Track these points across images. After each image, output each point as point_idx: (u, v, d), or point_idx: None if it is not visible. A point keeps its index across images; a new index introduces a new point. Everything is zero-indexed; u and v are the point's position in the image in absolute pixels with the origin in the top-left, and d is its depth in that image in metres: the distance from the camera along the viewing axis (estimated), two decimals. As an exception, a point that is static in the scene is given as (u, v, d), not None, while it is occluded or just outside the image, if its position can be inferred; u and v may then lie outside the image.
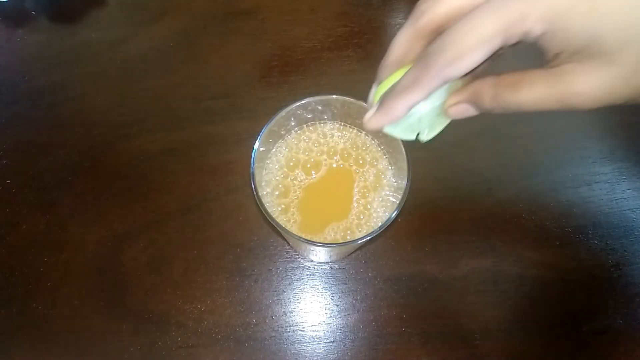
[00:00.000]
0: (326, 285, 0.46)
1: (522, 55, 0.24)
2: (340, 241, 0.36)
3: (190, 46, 0.57)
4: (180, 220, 0.48)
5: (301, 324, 0.45)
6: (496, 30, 0.20)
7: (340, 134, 0.40)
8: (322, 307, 0.45)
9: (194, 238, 0.48)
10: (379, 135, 0.38)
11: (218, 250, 0.47)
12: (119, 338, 0.44)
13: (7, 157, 0.51)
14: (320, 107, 0.37)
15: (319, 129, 0.40)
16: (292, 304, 0.46)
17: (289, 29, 0.59)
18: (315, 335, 0.44)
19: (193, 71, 0.56)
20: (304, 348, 0.44)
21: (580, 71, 0.20)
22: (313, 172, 0.38)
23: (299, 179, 0.38)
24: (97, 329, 0.44)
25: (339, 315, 0.45)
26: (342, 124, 0.40)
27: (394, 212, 0.32)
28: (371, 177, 0.38)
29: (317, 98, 0.36)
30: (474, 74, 0.26)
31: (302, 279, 0.46)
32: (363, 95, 0.35)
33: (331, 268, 0.47)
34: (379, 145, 0.39)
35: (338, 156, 0.39)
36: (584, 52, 0.20)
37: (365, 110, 0.35)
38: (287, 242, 0.47)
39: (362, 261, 0.47)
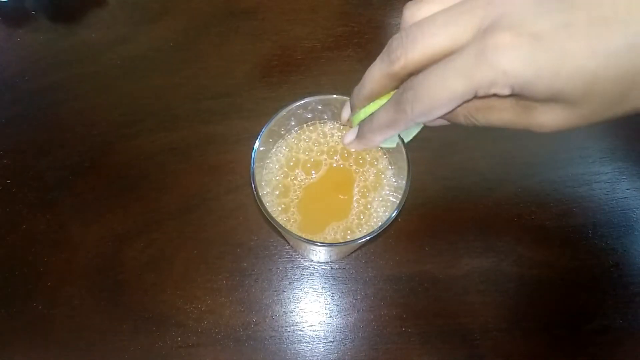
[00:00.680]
0: (326, 285, 0.46)
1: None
2: (340, 241, 0.36)
3: (190, 46, 0.57)
4: (180, 220, 0.48)
5: (301, 323, 0.45)
6: (467, 90, 0.22)
7: (340, 133, 0.40)
8: (322, 306, 0.45)
9: (194, 238, 0.48)
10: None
11: (218, 250, 0.47)
12: (119, 338, 0.44)
13: (7, 157, 0.51)
14: (320, 107, 0.37)
15: (319, 128, 0.40)
16: (292, 303, 0.46)
17: (289, 29, 0.59)
18: (315, 335, 0.44)
19: (193, 71, 0.56)
20: (304, 348, 0.44)
21: (545, 110, 0.23)
22: (313, 172, 0.38)
23: (299, 179, 0.38)
24: (97, 329, 0.44)
25: (339, 315, 0.45)
26: (342, 123, 0.40)
27: (394, 212, 0.32)
28: (371, 177, 0.38)
29: (317, 98, 0.36)
30: None
31: (302, 278, 0.46)
32: (363, 95, 0.35)
33: (331, 268, 0.47)
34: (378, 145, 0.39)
35: (338, 156, 0.39)
36: (547, 104, 0.22)
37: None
38: (287, 242, 0.47)
39: (362, 261, 0.47)
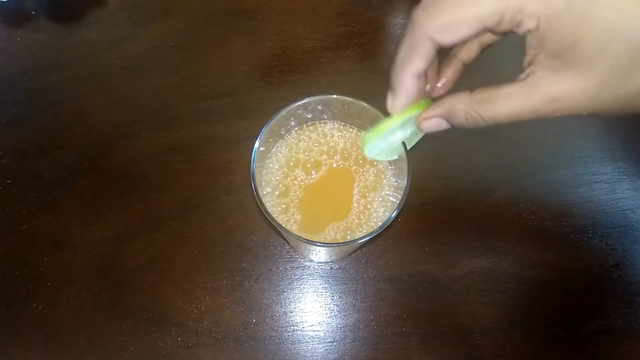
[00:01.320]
0: (326, 285, 0.46)
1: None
2: (340, 241, 0.36)
3: (190, 46, 0.57)
4: (180, 220, 0.48)
5: (301, 324, 0.45)
6: (495, 11, 0.21)
7: (340, 133, 0.40)
8: (322, 307, 0.45)
9: (194, 238, 0.48)
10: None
11: (218, 250, 0.47)
12: (119, 338, 0.44)
13: (7, 157, 0.51)
14: (320, 107, 0.37)
15: (319, 128, 0.40)
16: (292, 303, 0.46)
17: (289, 29, 0.59)
18: (315, 335, 0.44)
19: (193, 71, 0.56)
20: (304, 348, 0.44)
21: (554, 79, 0.22)
22: (313, 172, 0.38)
23: (299, 179, 0.38)
24: (97, 328, 0.44)
25: (339, 315, 0.45)
26: (342, 123, 0.40)
27: (394, 212, 0.32)
28: (371, 177, 0.38)
29: (317, 98, 0.36)
30: (455, 70, 0.30)
31: (302, 278, 0.46)
32: (363, 95, 0.35)
33: (331, 268, 0.47)
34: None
35: (338, 156, 0.39)
36: (561, 57, 0.21)
37: (365, 110, 0.35)
38: (287, 242, 0.47)
39: (362, 261, 0.47)
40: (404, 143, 0.33)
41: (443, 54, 0.30)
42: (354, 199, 0.37)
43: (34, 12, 0.60)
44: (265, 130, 0.35)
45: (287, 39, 0.58)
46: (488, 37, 0.29)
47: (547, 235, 0.48)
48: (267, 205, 0.33)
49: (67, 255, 0.47)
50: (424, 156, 0.50)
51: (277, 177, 0.38)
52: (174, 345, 0.44)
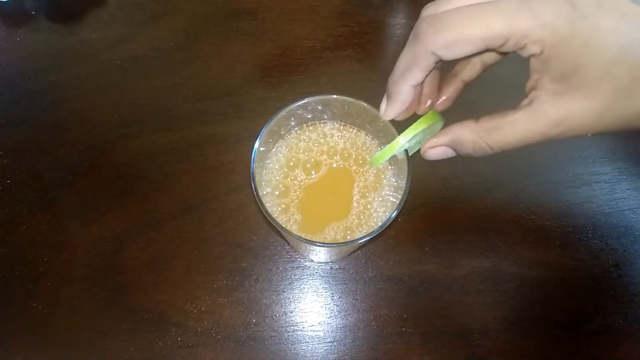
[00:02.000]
0: (326, 285, 0.46)
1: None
2: (340, 241, 0.36)
3: (190, 46, 0.57)
4: (180, 220, 0.48)
5: (301, 324, 0.45)
6: (500, 33, 0.21)
7: (340, 133, 0.40)
8: (322, 307, 0.45)
9: (194, 238, 0.48)
10: (379, 134, 0.38)
11: (218, 250, 0.47)
12: (119, 338, 0.44)
13: (7, 157, 0.51)
14: (320, 107, 0.37)
15: (319, 128, 0.40)
16: (292, 304, 0.46)
17: (289, 29, 0.59)
18: (315, 335, 0.44)
19: (193, 71, 0.56)
20: (304, 348, 0.44)
21: (558, 103, 0.22)
22: (313, 172, 0.38)
23: (299, 179, 0.38)
24: (97, 329, 0.44)
25: (339, 315, 0.45)
26: (342, 123, 0.40)
27: (394, 212, 0.32)
28: (371, 177, 0.38)
29: (317, 98, 0.36)
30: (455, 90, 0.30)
31: (302, 279, 0.46)
32: (363, 95, 0.35)
33: (331, 268, 0.47)
34: (379, 145, 0.39)
35: (338, 156, 0.39)
36: (565, 81, 0.22)
37: (365, 110, 0.35)
38: (287, 242, 0.47)
39: (362, 261, 0.47)
40: (406, 152, 0.34)
41: (445, 70, 0.30)
42: (354, 199, 0.37)
43: (34, 12, 0.60)
44: (265, 130, 0.35)
45: (287, 39, 0.58)
46: (490, 56, 0.29)
47: (547, 235, 0.48)
48: (267, 205, 0.33)
49: (67, 255, 0.47)
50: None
51: (277, 177, 0.38)
52: (174, 345, 0.44)
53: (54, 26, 0.59)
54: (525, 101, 0.24)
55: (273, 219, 0.32)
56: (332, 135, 0.40)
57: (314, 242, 0.34)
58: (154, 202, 0.49)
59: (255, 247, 0.47)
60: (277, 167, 0.39)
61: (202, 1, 0.61)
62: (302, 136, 0.40)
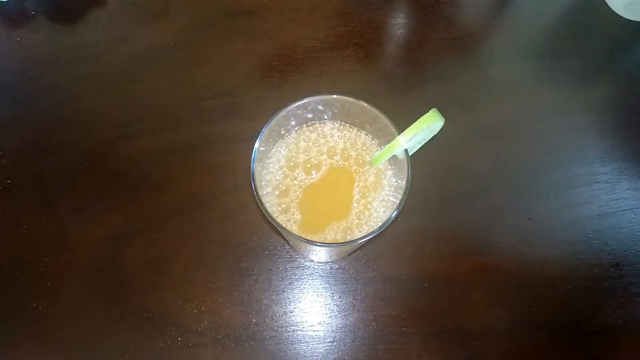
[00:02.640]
0: (326, 285, 0.46)
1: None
2: (341, 241, 0.36)
3: (190, 46, 0.57)
4: (180, 220, 0.48)
5: (301, 324, 0.45)
6: None
7: (340, 133, 0.40)
8: (322, 307, 0.45)
9: (194, 238, 0.48)
10: (379, 134, 0.38)
11: (218, 250, 0.47)
12: (119, 338, 0.44)
13: (7, 157, 0.51)
14: (320, 107, 0.37)
15: (319, 128, 0.40)
16: (292, 303, 0.46)
17: (289, 29, 0.59)
18: (315, 335, 0.44)
19: (193, 71, 0.56)
20: (304, 348, 0.44)
21: None
22: (313, 172, 0.38)
23: (299, 179, 0.38)
24: (97, 329, 0.44)
25: (339, 315, 0.45)
26: (342, 123, 0.40)
27: (394, 212, 0.32)
28: (371, 177, 0.38)
29: (317, 98, 0.36)
30: None
31: (302, 278, 0.46)
32: (363, 95, 0.35)
33: (331, 268, 0.47)
34: (379, 145, 0.39)
35: (338, 156, 0.39)
36: None
37: (365, 110, 0.35)
38: (287, 242, 0.47)
39: (362, 261, 0.47)
40: (406, 152, 0.34)
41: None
42: (354, 199, 0.37)
43: (34, 12, 0.60)
44: (265, 130, 0.35)
45: (287, 39, 0.58)
46: None
47: (547, 235, 0.48)
48: (267, 205, 0.33)
49: (67, 255, 0.47)
50: (423, 156, 0.50)
51: (277, 177, 0.38)
52: (174, 345, 0.44)
53: (54, 26, 0.59)
54: None
55: (273, 219, 0.32)
56: (332, 135, 0.40)
57: (314, 242, 0.34)
58: (154, 202, 0.49)
59: (255, 247, 0.47)
60: (277, 167, 0.39)
61: (202, 1, 0.61)
62: (302, 136, 0.40)
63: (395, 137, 0.33)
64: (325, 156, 0.39)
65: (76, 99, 0.54)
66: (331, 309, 0.45)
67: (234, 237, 0.48)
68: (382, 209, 0.37)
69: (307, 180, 0.38)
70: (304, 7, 0.60)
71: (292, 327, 0.45)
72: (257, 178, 0.34)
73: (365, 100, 0.35)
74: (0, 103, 0.54)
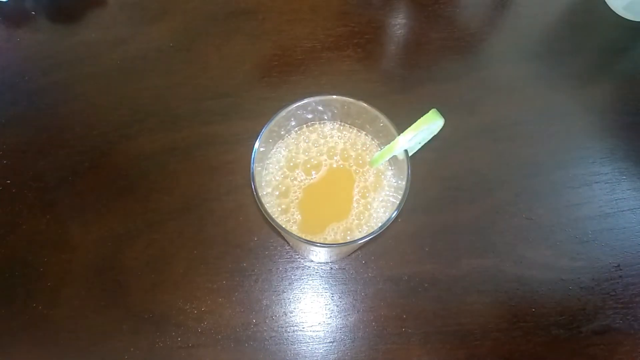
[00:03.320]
0: (326, 286, 0.46)
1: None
2: (340, 241, 0.36)
3: (190, 46, 0.57)
4: (180, 220, 0.48)
5: (301, 324, 0.45)
6: None
7: (340, 134, 0.40)
8: (322, 307, 0.45)
9: (194, 238, 0.48)
10: (379, 134, 0.38)
11: (218, 250, 0.47)
12: (119, 338, 0.44)
13: (7, 157, 0.51)
14: (320, 107, 0.37)
15: (319, 129, 0.40)
16: (292, 304, 0.46)
17: (289, 29, 0.59)
18: (315, 335, 0.44)
19: (193, 71, 0.56)
20: (304, 348, 0.44)
21: None
22: (313, 172, 0.38)
23: (299, 179, 0.38)
24: (97, 329, 0.44)
25: (339, 316, 0.45)
26: (342, 124, 0.40)
27: (394, 212, 0.32)
28: (371, 178, 0.38)
29: (317, 98, 0.36)
30: None
31: (302, 279, 0.46)
32: (363, 96, 0.35)
33: (331, 268, 0.47)
34: (379, 145, 0.39)
35: (338, 156, 0.39)
36: None
37: (365, 110, 0.35)
38: (287, 242, 0.47)
39: (362, 261, 0.47)
40: (406, 152, 0.34)
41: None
42: (354, 199, 0.37)
43: (34, 12, 0.60)
44: (265, 131, 0.35)
45: (287, 39, 0.58)
46: None
47: (547, 235, 0.48)
48: (267, 205, 0.33)
49: (67, 256, 0.47)
50: (423, 156, 0.50)
51: (277, 178, 0.38)
52: (174, 345, 0.44)
53: (54, 26, 0.59)
54: None
55: (273, 219, 0.32)
56: (332, 136, 0.40)
57: (313, 242, 0.34)
58: (154, 202, 0.49)
59: (255, 247, 0.47)
60: (277, 167, 0.39)
61: (202, 1, 0.61)
62: (302, 136, 0.40)
63: (395, 137, 0.33)
64: (325, 157, 0.39)
65: (76, 99, 0.54)
66: (331, 309, 0.45)
67: (234, 237, 0.48)
68: (382, 210, 0.37)
69: (307, 181, 0.38)
70: (304, 7, 0.60)
71: (292, 328, 0.45)
72: (257, 178, 0.34)
73: (365, 101, 0.35)
74: (0, 103, 0.54)
